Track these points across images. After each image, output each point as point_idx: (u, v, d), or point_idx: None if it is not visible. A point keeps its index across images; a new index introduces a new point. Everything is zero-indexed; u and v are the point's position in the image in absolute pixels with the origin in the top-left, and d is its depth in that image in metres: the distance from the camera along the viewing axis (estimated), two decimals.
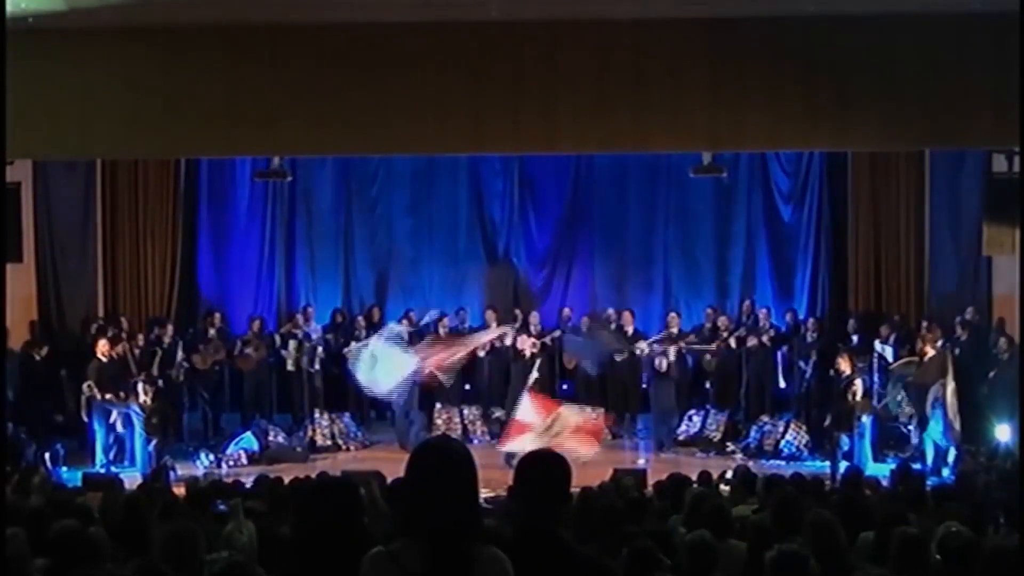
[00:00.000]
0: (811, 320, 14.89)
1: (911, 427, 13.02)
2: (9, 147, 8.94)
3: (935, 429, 12.40)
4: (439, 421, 14.72)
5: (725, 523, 6.26)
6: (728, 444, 14.12)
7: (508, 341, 14.42)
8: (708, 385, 14.96)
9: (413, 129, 11.88)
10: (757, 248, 16.18)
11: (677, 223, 16.22)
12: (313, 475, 9.65)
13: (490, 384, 14.88)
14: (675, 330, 14.75)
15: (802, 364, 14.32)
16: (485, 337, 14.42)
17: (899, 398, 13.10)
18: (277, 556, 5.93)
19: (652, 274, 16.37)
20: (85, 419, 13.05)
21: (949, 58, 11.57)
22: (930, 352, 12.85)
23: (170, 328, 14.57)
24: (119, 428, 12.93)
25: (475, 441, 14.33)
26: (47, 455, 12.23)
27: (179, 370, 14.18)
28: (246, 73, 11.75)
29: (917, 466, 11.54)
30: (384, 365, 13.26)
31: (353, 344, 14.11)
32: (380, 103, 11.72)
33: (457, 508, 3.14)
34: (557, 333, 15.01)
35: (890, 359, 13.62)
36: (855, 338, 14.49)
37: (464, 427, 14.78)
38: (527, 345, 14.21)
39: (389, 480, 8.81)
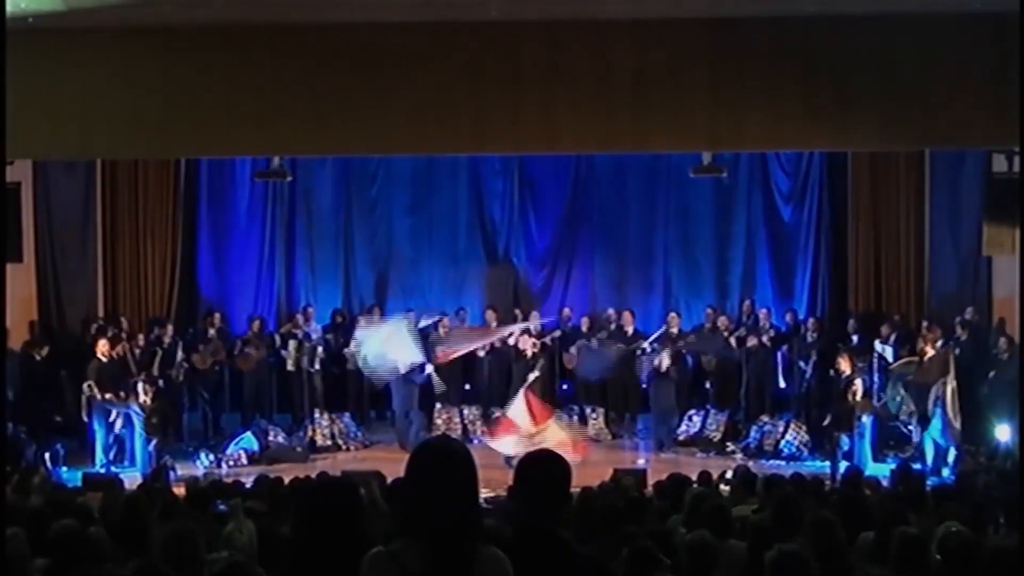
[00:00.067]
0: (811, 320, 14.90)
1: (911, 426, 13.01)
2: (9, 147, 8.94)
3: (935, 428, 12.40)
4: (439, 421, 14.72)
5: (725, 523, 6.25)
6: (728, 444, 14.11)
7: (513, 341, 14.41)
8: (708, 385, 14.97)
9: (413, 129, 11.89)
10: (757, 248, 16.18)
11: (677, 223, 16.22)
12: (313, 475, 9.66)
13: (490, 384, 14.88)
14: (675, 330, 14.74)
15: (802, 364, 14.33)
16: (507, 331, 14.43)
17: (899, 397, 13.09)
18: (277, 556, 5.93)
19: (652, 274, 16.38)
20: (85, 419, 13.05)
21: (949, 58, 11.57)
22: (930, 352, 12.85)
23: (170, 328, 14.57)
24: (119, 428, 12.93)
25: (475, 441, 14.29)
26: (47, 455, 12.23)
27: (179, 370, 14.19)
28: (246, 73, 11.75)
29: (917, 466, 11.54)
30: (391, 346, 13.48)
31: (358, 332, 14.06)
32: (380, 103, 11.72)
33: (457, 508, 3.14)
34: (557, 333, 14.99)
35: (890, 359, 13.61)
36: (855, 338, 14.49)
37: (464, 427, 14.78)
38: (528, 345, 14.21)
39: (389, 480, 8.81)
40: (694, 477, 9.40)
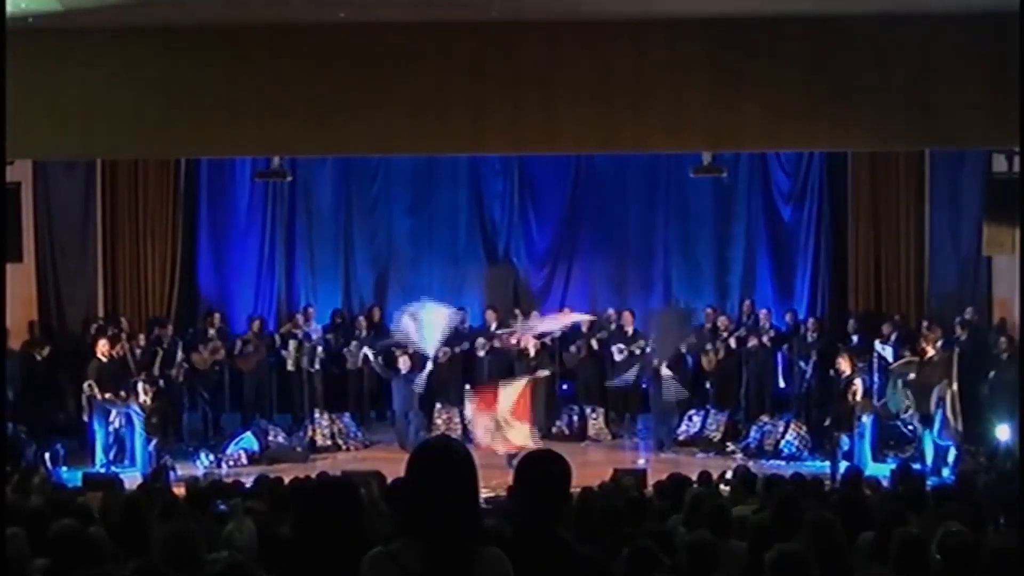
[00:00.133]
0: (811, 320, 14.90)
1: (913, 425, 13.00)
2: (9, 147, 8.94)
3: (935, 429, 12.40)
4: (439, 421, 14.72)
5: (725, 523, 6.26)
6: (728, 444, 14.10)
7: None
8: (708, 385, 14.96)
9: (413, 129, 11.89)
10: (757, 248, 16.18)
11: (677, 223, 16.22)
12: (313, 475, 9.66)
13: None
14: None
15: (802, 364, 14.33)
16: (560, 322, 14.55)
17: (899, 396, 13.09)
18: (277, 556, 5.93)
19: (652, 274, 16.38)
20: (85, 419, 13.05)
21: (949, 58, 11.57)
22: (931, 352, 12.84)
23: (170, 328, 14.58)
24: (117, 426, 12.92)
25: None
26: (47, 455, 12.23)
27: (179, 370, 14.19)
28: (246, 73, 11.75)
29: (917, 466, 11.54)
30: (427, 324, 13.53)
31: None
32: (380, 103, 11.73)
33: (457, 508, 3.13)
34: (558, 333, 14.91)
35: (890, 359, 13.61)
36: (855, 338, 14.49)
37: (464, 427, 14.75)
38: (530, 344, 14.20)
39: (389, 480, 8.81)
40: (694, 477, 9.40)
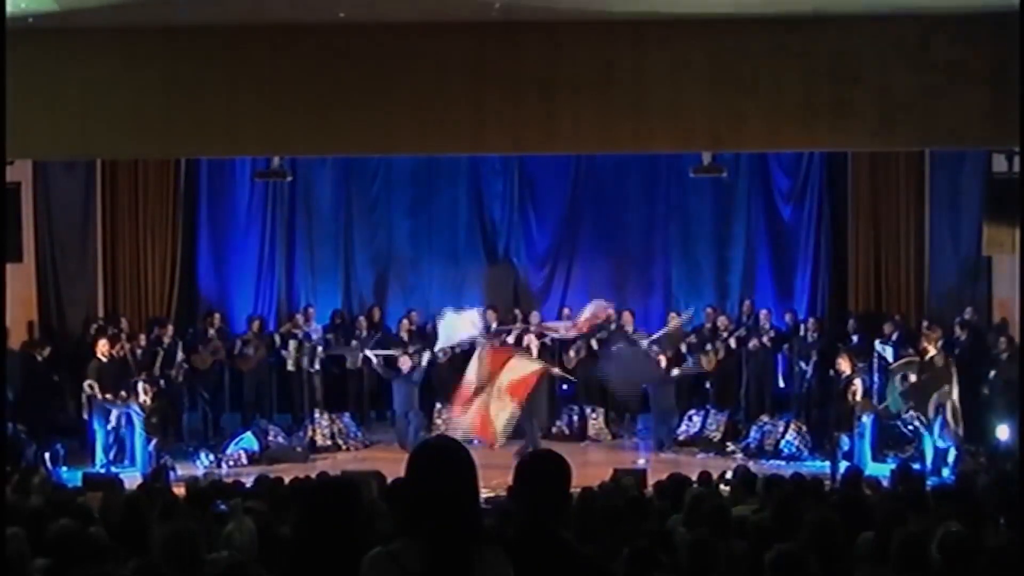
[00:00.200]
0: (811, 320, 14.89)
1: (913, 425, 12.99)
2: (9, 147, 8.94)
3: (936, 430, 12.40)
4: (439, 421, 14.71)
5: (725, 523, 6.25)
6: (728, 444, 14.10)
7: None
8: (708, 385, 14.96)
9: (413, 129, 11.89)
10: (757, 248, 16.18)
11: (677, 223, 16.22)
12: (313, 475, 9.65)
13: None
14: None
15: (802, 364, 14.33)
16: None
17: (900, 395, 13.09)
18: (277, 556, 5.93)
19: (652, 274, 16.38)
20: (86, 419, 13.05)
21: (949, 58, 11.56)
22: (931, 351, 12.82)
23: (170, 328, 14.57)
24: (117, 426, 12.92)
25: (475, 441, 14.32)
26: (47, 455, 12.23)
27: (179, 370, 14.19)
28: (246, 73, 11.75)
29: (917, 466, 11.54)
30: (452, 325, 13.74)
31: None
32: (380, 103, 11.73)
33: (457, 508, 3.14)
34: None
35: (890, 359, 13.61)
36: (855, 338, 14.48)
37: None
38: (533, 343, 14.20)
39: (389, 480, 8.81)
40: (694, 477, 9.39)
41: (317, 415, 14.42)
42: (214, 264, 16.17)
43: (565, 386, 15.12)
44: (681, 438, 14.37)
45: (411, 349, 14.38)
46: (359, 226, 16.41)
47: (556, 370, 13.99)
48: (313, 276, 16.34)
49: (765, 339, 14.68)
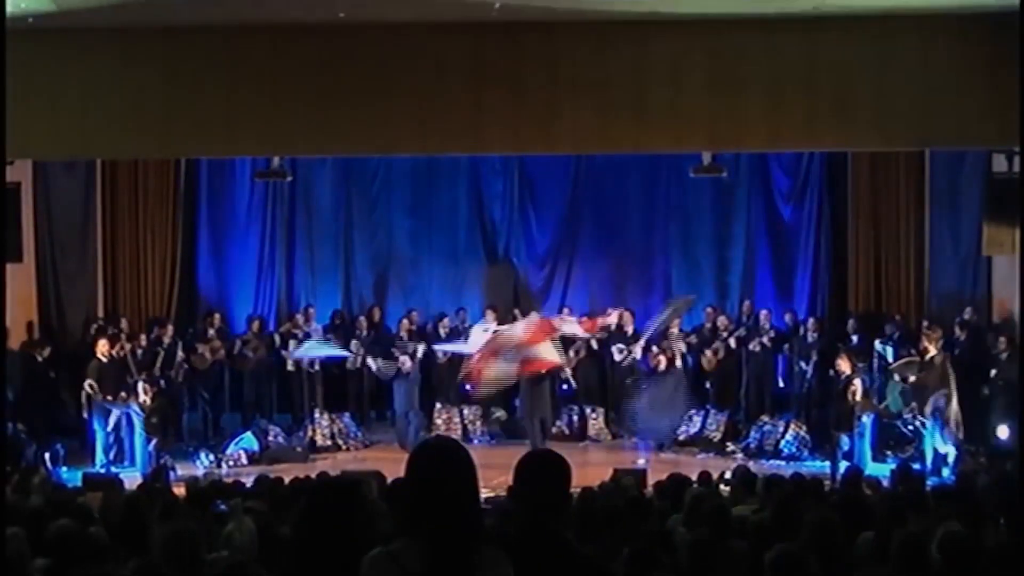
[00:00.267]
0: (811, 320, 14.88)
1: (913, 425, 12.99)
2: (9, 147, 8.93)
3: (933, 434, 12.40)
4: (439, 421, 14.73)
5: (725, 523, 6.25)
6: (728, 444, 14.10)
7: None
8: (708, 385, 14.96)
9: (413, 129, 11.89)
10: (757, 248, 16.18)
11: (677, 223, 16.22)
12: (313, 475, 9.66)
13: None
14: (675, 330, 14.73)
15: (802, 364, 14.32)
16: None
17: (899, 395, 13.09)
18: (277, 556, 5.93)
19: (652, 274, 16.38)
20: (86, 419, 13.05)
21: (949, 58, 11.57)
22: (932, 351, 12.82)
23: (170, 328, 14.57)
24: (114, 424, 12.91)
25: (475, 441, 14.34)
26: (47, 455, 12.23)
27: (179, 370, 14.19)
28: (246, 73, 11.76)
29: (917, 466, 11.54)
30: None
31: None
32: (380, 103, 11.73)
33: (457, 508, 3.13)
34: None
35: (890, 359, 13.61)
36: (855, 338, 14.48)
37: (464, 427, 14.78)
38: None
39: (389, 480, 8.80)
40: (694, 477, 9.39)
41: (317, 415, 14.42)
42: (214, 264, 16.17)
43: (565, 386, 15.12)
44: (681, 438, 14.36)
45: (409, 348, 14.38)
46: (359, 226, 16.41)
47: (568, 371, 13.99)
48: (313, 276, 16.35)
49: (765, 339, 14.68)
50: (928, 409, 12.41)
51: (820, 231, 15.93)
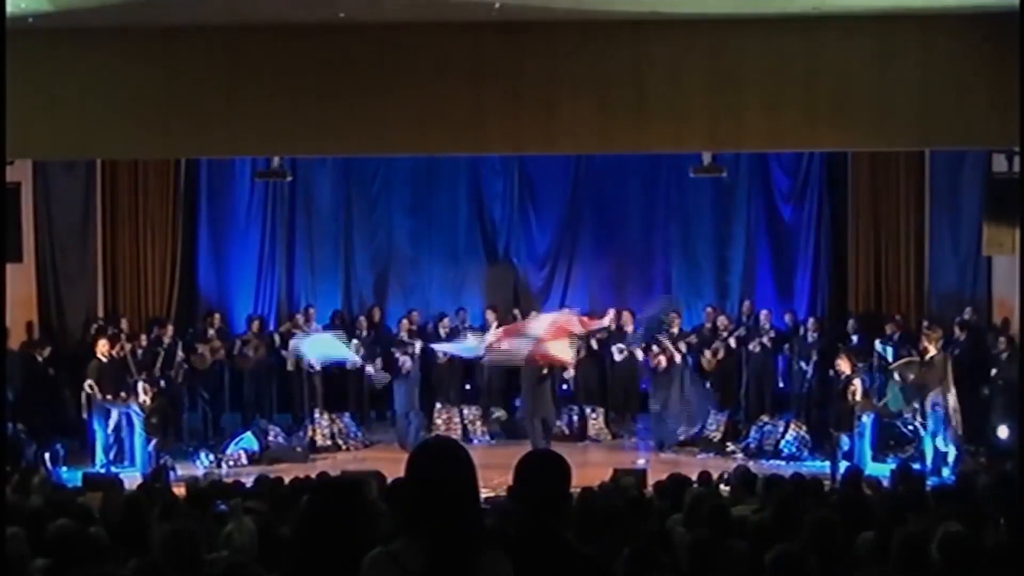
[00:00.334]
0: (811, 320, 14.87)
1: (913, 425, 12.99)
2: (9, 147, 8.95)
3: (933, 432, 12.40)
4: (439, 421, 14.72)
5: (725, 523, 6.26)
6: (728, 444, 14.11)
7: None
8: (708, 385, 14.96)
9: (413, 129, 11.89)
10: (757, 248, 16.18)
11: (677, 223, 16.22)
12: (313, 475, 9.66)
13: (490, 384, 14.89)
14: (675, 330, 14.73)
15: (802, 364, 14.32)
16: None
17: (898, 396, 13.08)
18: (277, 556, 5.93)
19: (652, 274, 16.38)
20: (85, 419, 13.05)
21: (949, 58, 11.56)
22: (932, 351, 12.82)
23: (170, 328, 14.57)
24: (113, 424, 12.91)
25: (475, 441, 14.35)
26: (47, 455, 12.23)
27: (179, 370, 14.19)
28: (246, 73, 11.75)
29: (917, 466, 11.54)
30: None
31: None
32: (380, 103, 11.72)
33: (457, 508, 3.14)
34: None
35: (890, 359, 13.61)
36: (855, 338, 14.49)
37: (464, 427, 14.78)
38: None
39: (389, 480, 8.81)
40: (694, 477, 9.40)
41: (317, 415, 14.42)
42: (214, 264, 16.18)
43: (565, 386, 15.13)
44: (681, 438, 14.37)
45: (410, 349, 14.38)
46: (359, 226, 16.41)
47: (571, 371, 13.98)
48: (313, 276, 16.35)
49: (765, 339, 14.68)
50: (928, 404, 12.41)
51: (820, 231, 15.93)
